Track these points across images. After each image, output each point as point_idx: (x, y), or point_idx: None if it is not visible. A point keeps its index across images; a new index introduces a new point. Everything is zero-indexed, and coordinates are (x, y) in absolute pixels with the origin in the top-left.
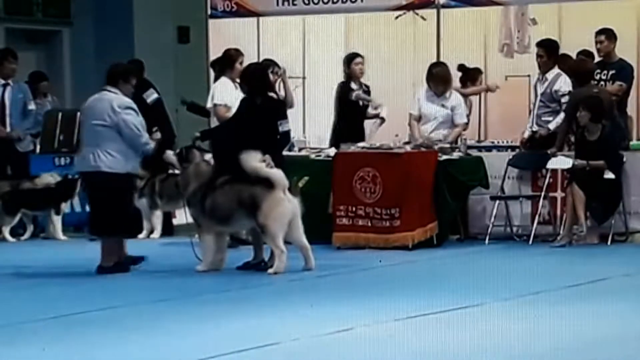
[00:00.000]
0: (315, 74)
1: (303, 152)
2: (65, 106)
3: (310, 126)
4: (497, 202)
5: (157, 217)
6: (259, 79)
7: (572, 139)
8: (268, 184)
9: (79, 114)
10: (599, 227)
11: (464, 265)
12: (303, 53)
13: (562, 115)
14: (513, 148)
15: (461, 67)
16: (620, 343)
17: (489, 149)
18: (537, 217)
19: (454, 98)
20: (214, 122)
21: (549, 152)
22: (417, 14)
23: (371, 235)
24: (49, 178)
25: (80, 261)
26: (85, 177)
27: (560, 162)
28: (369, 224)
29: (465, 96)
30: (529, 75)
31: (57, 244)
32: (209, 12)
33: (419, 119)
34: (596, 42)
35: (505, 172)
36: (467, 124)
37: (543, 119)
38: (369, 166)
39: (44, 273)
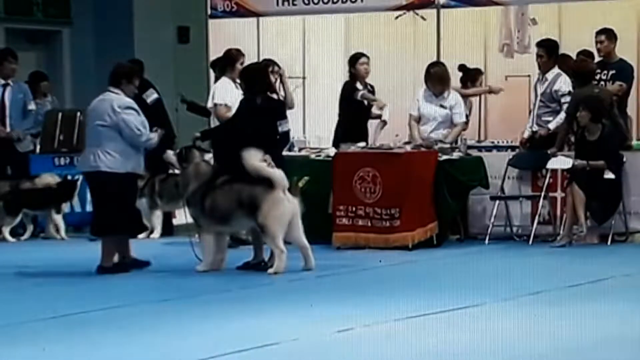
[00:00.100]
0: (315, 74)
1: (303, 152)
2: (65, 106)
3: (310, 126)
4: (497, 202)
5: (157, 217)
6: (259, 79)
7: (572, 139)
8: (268, 184)
9: (78, 114)
10: (599, 227)
11: (464, 265)
12: (303, 53)
13: (562, 115)
14: (513, 148)
15: (462, 67)
16: (620, 343)
17: (489, 149)
18: (537, 217)
19: (453, 98)
20: (214, 122)
21: (549, 152)
22: (417, 14)
23: (371, 235)
24: (49, 178)
25: (80, 261)
26: (86, 177)
27: (560, 162)
28: (369, 224)
29: (466, 96)
30: (529, 75)
31: (57, 244)
32: (209, 12)
33: (418, 119)
34: (596, 42)
35: (505, 172)
36: (466, 123)
37: (543, 119)
38: (369, 166)
39: (44, 273)
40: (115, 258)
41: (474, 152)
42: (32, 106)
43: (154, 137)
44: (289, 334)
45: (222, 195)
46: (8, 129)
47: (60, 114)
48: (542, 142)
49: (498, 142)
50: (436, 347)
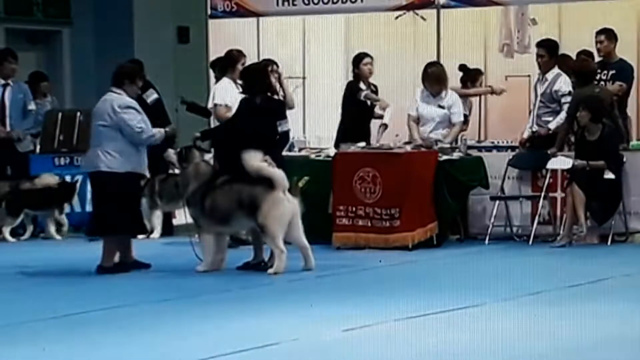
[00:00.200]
0: (315, 74)
1: (303, 152)
2: (65, 106)
3: (310, 126)
4: (497, 202)
5: (157, 217)
6: (259, 79)
7: (572, 139)
8: (268, 184)
9: (78, 114)
10: (599, 228)
11: (464, 265)
12: (303, 53)
13: (562, 115)
14: (513, 148)
15: (462, 67)
16: (620, 343)
17: (489, 149)
18: (537, 217)
19: (450, 97)
20: (215, 123)
21: (549, 152)
22: (417, 14)
23: (371, 236)
24: (50, 178)
25: (80, 261)
26: (89, 177)
27: (560, 162)
28: (369, 224)
29: (467, 96)
30: (529, 76)
31: (57, 244)
32: (209, 12)
33: (417, 120)
34: (596, 42)
35: (505, 172)
36: (465, 123)
37: (543, 119)
38: (369, 166)
39: (44, 273)
40: (116, 258)
41: (474, 152)
42: (32, 106)
43: (156, 132)
44: (289, 334)
45: (222, 196)
46: (8, 129)
47: (60, 114)
48: (542, 143)
49: (498, 142)
50: (436, 347)
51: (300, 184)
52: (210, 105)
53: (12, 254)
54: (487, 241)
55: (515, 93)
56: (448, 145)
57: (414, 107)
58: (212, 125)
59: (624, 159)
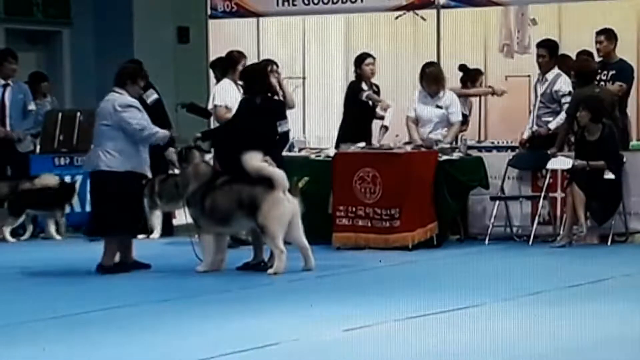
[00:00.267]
0: (315, 74)
1: (303, 153)
2: (65, 106)
3: (310, 126)
4: (497, 202)
5: (157, 217)
6: (259, 79)
7: (572, 139)
8: (268, 184)
9: (78, 114)
10: (599, 228)
11: (464, 265)
12: (303, 53)
13: (562, 115)
14: (513, 148)
15: (462, 67)
16: (620, 343)
17: (489, 149)
18: (537, 217)
19: (448, 97)
20: (215, 123)
21: (549, 152)
22: (417, 15)
23: (371, 236)
24: (51, 179)
25: (80, 261)
26: (89, 176)
27: (560, 162)
28: (369, 225)
29: (468, 96)
30: (529, 76)
31: (57, 244)
32: (209, 12)
33: (416, 121)
34: (596, 43)
35: (505, 172)
36: (465, 123)
37: (543, 119)
38: (369, 166)
39: (44, 273)
40: (116, 258)
41: (474, 153)
42: (32, 106)
43: (159, 131)
44: (289, 334)
45: (222, 196)
46: (8, 130)
47: (60, 114)
48: (542, 143)
49: (498, 143)
50: (436, 347)
51: (300, 184)
52: (210, 106)
53: (12, 254)
54: (487, 241)
55: (515, 93)
56: (448, 146)
57: (412, 108)
58: (212, 126)
59: (624, 159)
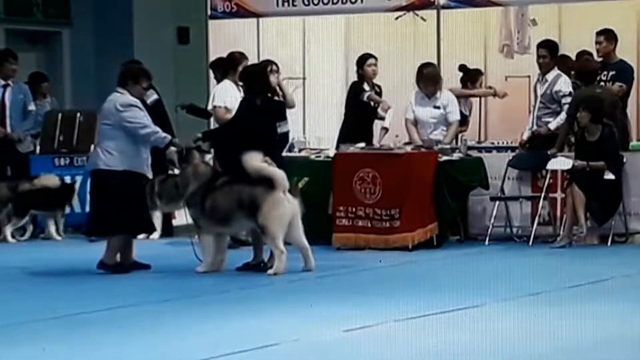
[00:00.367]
0: (315, 74)
1: (303, 153)
2: (65, 107)
3: (310, 127)
4: (497, 202)
5: (157, 217)
6: (259, 80)
7: (572, 139)
8: (268, 184)
9: (78, 114)
10: (599, 228)
11: (464, 266)
12: (303, 53)
13: (562, 115)
14: (513, 149)
15: (462, 68)
16: (620, 343)
17: (489, 149)
18: (537, 218)
19: (445, 97)
20: (215, 124)
21: (548, 152)
22: (417, 15)
23: (371, 236)
24: (52, 179)
25: (80, 261)
26: (90, 175)
27: (560, 163)
28: (369, 225)
29: (469, 97)
30: (529, 76)
31: (57, 244)
32: (209, 12)
33: (415, 122)
34: (595, 43)
35: (505, 172)
36: (465, 123)
37: (543, 120)
38: (369, 167)
39: (44, 273)
40: (117, 258)
41: (474, 153)
42: (32, 107)
43: (159, 130)
44: (289, 335)
45: (222, 196)
46: (8, 130)
47: (60, 115)
48: (542, 143)
49: (498, 143)
50: (436, 347)
51: (300, 185)
52: (209, 107)
53: (12, 254)
54: (487, 242)
55: (515, 94)
56: (448, 146)
57: (410, 109)
58: (212, 127)
59: (624, 160)
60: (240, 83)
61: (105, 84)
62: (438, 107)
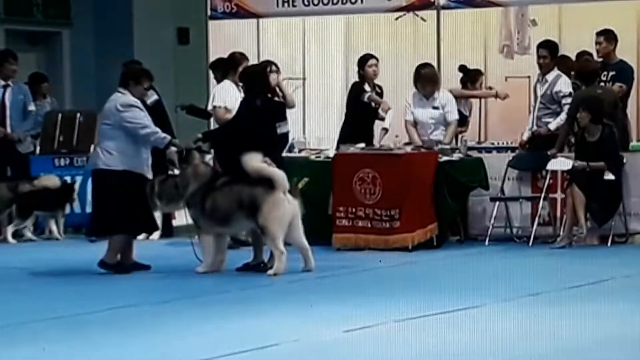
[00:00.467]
0: (315, 74)
1: (303, 153)
2: (65, 107)
3: (310, 127)
4: (497, 203)
5: (157, 218)
6: (259, 80)
7: (572, 140)
8: (268, 185)
9: (78, 115)
10: (599, 229)
11: (464, 266)
12: (303, 54)
13: (562, 115)
14: (513, 149)
15: (462, 68)
16: (620, 343)
17: (489, 150)
18: (537, 218)
19: (443, 97)
20: (215, 125)
21: (548, 153)
22: (417, 15)
23: (371, 237)
24: (52, 180)
25: (80, 261)
26: (91, 175)
27: (560, 163)
28: (369, 225)
29: (469, 97)
30: (529, 77)
31: (57, 244)
32: (209, 13)
33: (414, 123)
34: (595, 44)
35: (505, 173)
36: (465, 124)
37: (543, 120)
38: (369, 167)
39: (44, 273)
40: (118, 257)
41: (474, 153)
42: (32, 107)
43: (159, 130)
44: (289, 335)
45: (222, 197)
46: (8, 130)
47: (60, 115)
48: (542, 144)
49: (498, 143)
50: (436, 347)
51: (300, 185)
52: (210, 107)
53: (12, 255)
54: (487, 242)
55: (515, 94)
56: (448, 146)
57: (408, 110)
58: (212, 127)
59: (624, 160)
60: (240, 83)
61: (105, 84)
62: (437, 108)
